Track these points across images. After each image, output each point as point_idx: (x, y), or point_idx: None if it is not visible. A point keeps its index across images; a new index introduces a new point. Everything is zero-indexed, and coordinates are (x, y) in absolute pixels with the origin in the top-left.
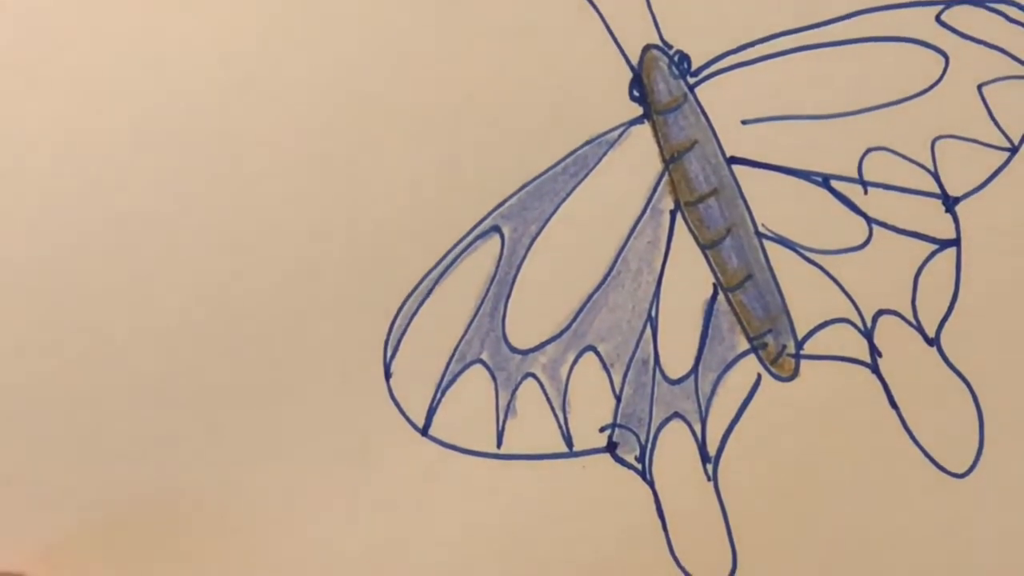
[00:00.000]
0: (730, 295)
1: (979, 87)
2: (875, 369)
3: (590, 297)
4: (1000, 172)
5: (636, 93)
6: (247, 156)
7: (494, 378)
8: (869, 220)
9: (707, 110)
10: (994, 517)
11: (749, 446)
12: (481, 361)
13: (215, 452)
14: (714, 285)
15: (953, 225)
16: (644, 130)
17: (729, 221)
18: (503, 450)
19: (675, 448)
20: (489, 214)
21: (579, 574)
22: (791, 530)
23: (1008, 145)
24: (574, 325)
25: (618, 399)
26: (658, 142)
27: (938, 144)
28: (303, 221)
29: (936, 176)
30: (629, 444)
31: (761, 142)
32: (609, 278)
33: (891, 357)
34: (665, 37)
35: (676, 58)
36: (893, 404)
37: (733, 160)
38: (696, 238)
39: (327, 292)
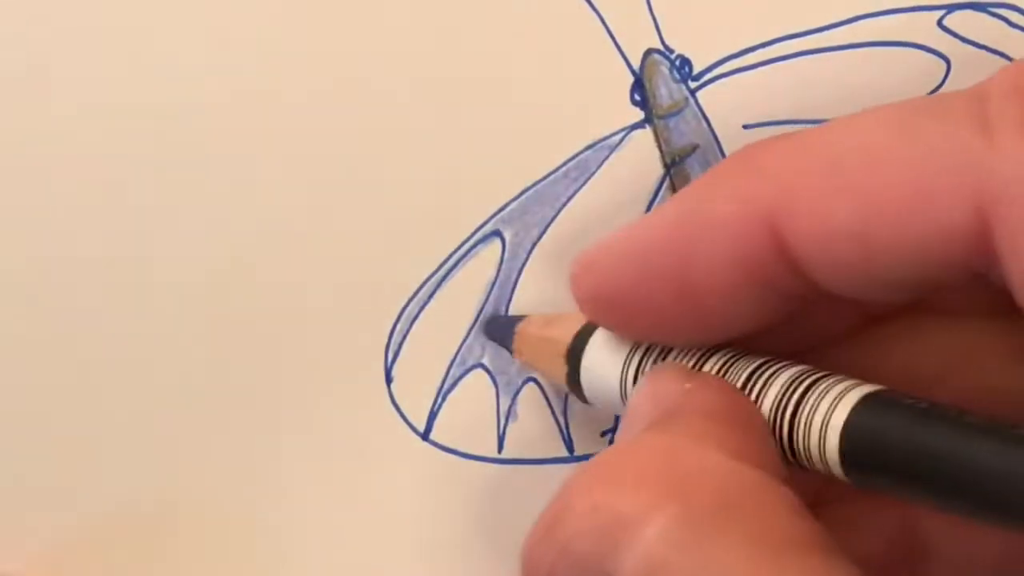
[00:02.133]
0: None
1: None
2: None
3: None
4: None
5: (637, 97)
6: (245, 159)
7: (495, 382)
8: None
9: (708, 114)
10: None
11: None
12: (482, 365)
13: (216, 454)
14: None
15: None
16: (645, 134)
17: None
18: (504, 454)
19: None
20: (490, 218)
21: None
22: None
23: None
24: None
25: None
26: (659, 146)
27: None
28: (302, 225)
29: None
30: None
31: None
32: None
33: None
34: (666, 41)
35: (677, 62)
36: None
37: None
38: None
39: (327, 296)
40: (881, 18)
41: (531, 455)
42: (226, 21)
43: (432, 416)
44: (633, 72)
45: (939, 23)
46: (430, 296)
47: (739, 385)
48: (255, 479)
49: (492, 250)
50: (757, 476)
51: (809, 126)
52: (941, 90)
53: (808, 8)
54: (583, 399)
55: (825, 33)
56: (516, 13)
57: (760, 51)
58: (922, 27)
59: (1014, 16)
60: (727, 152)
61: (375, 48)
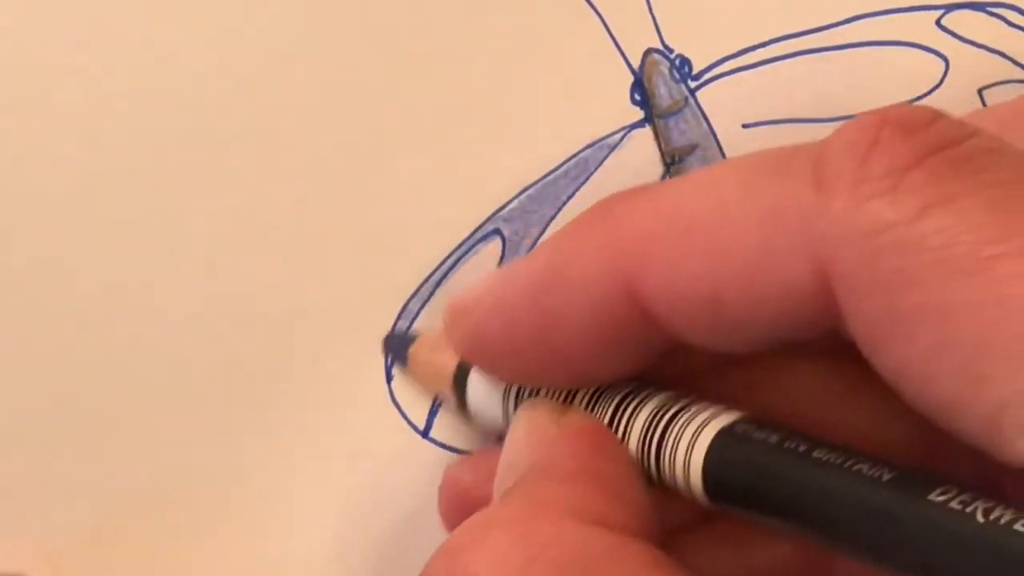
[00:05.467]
0: None
1: (979, 91)
2: None
3: None
4: None
5: (637, 97)
6: (246, 157)
7: None
8: None
9: (708, 114)
10: None
11: None
12: None
13: (216, 453)
14: None
15: None
16: (645, 134)
17: None
18: None
19: None
20: (490, 217)
21: None
22: None
23: None
24: None
25: None
26: (659, 146)
27: None
28: (304, 223)
29: None
30: None
31: (762, 146)
32: None
33: None
34: (666, 41)
35: (677, 62)
36: None
37: None
38: None
39: (328, 295)
40: (880, 18)
41: None
42: (227, 21)
43: (432, 414)
44: (633, 72)
45: (938, 23)
46: (430, 295)
47: (607, 417)
48: (255, 479)
49: (492, 249)
50: (611, 540)
51: (801, 123)
52: (940, 89)
53: (808, 8)
54: (470, 422)
55: (825, 33)
56: (516, 13)
57: (759, 51)
58: (921, 27)
59: (1012, 15)
60: (727, 152)
61: (376, 47)
